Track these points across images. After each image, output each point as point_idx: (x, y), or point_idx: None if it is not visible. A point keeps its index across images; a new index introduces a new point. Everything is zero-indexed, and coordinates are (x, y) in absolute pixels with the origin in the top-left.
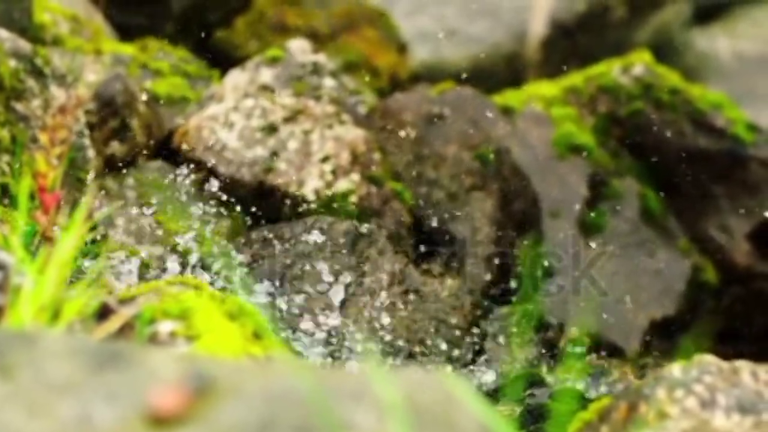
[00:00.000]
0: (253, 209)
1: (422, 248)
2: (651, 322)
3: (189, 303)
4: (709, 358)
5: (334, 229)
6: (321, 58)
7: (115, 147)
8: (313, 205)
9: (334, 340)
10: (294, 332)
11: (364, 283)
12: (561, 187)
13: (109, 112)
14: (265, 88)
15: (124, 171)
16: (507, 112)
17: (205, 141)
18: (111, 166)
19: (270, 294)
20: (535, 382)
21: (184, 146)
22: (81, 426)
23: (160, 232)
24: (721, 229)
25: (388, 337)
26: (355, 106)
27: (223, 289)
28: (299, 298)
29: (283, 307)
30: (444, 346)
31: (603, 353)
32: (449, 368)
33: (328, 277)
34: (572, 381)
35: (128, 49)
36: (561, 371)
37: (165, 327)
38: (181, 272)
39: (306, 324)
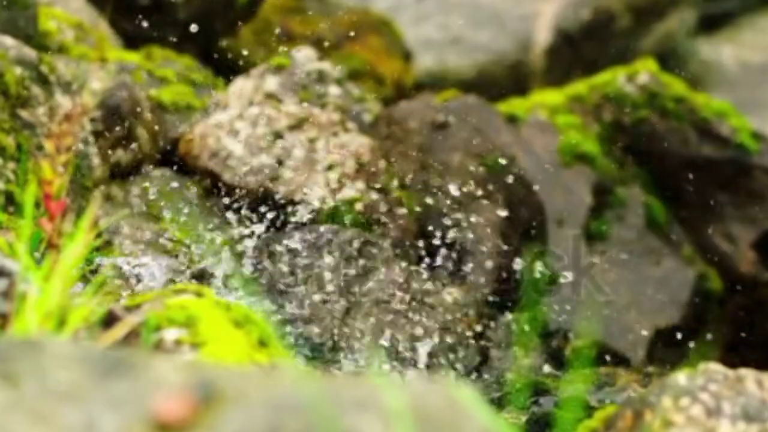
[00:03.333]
0: (258, 217)
1: (427, 256)
2: (656, 331)
3: (194, 311)
4: (715, 366)
5: (339, 238)
6: (326, 66)
7: (120, 155)
8: (318, 213)
9: (339, 348)
10: (299, 340)
11: (369, 292)
12: (566, 195)
13: (115, 119)
14: (271, 96)
15: (130, 179)
16: (512, 120)
17: (210, 149)
18: (116, 174)
19: (275, 302)
20: (540, 390)
21: (189, 154)
22: None
23: (165, 240)
24: (726, 238)
25: (392, 346)
26: (360, 114)
27: (228, 297)
28: (304, 306)
29: (289, 315)
30: (449, 354)
31: (608, 361)
32: (454, 376)
33: (333, 285)
34: (577, 389)
35: (133, 57)
36: (566, 379)
37: (170, 334)
38: (187, 280)
39: (311, 332)
